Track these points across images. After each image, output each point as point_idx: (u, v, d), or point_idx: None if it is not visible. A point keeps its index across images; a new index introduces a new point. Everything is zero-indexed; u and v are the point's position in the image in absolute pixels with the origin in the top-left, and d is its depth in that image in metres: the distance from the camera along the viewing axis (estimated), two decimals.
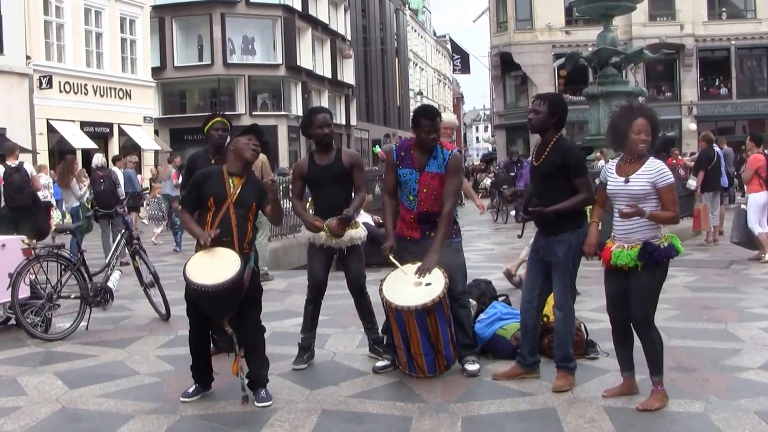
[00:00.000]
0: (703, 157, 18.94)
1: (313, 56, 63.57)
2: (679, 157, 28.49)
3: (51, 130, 36.50)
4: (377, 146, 42.18)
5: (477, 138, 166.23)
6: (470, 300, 8.94)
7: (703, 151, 19.20)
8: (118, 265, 11.00)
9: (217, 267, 6.69)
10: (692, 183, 19.52)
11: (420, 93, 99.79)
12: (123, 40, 42.39)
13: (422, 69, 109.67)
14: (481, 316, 8.76)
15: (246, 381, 7.08)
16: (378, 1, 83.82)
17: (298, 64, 59.54)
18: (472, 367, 7.82)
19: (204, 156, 9.06)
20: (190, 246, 20.62)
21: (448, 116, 10.13)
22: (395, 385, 7.62)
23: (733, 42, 60.52)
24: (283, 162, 54.84)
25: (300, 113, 58.52)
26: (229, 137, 9.03)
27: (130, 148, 40.75)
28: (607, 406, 6.73)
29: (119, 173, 19.60)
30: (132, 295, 12.50)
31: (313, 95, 63.85)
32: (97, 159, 18.46)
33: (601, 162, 27.97)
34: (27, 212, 14.58)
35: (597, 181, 7.10)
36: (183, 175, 9.63)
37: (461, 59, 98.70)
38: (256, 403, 6.99)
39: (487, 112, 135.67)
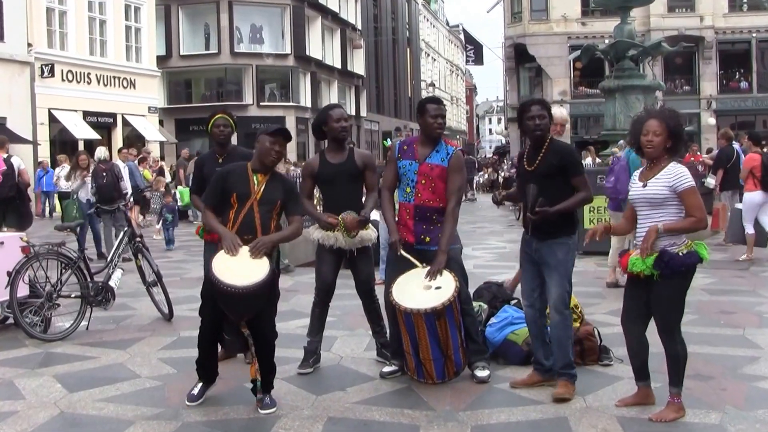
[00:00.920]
0: (722, 155, 18.93)
1: (322, 46, 63.52)
2: (698, 153, 28.38)
3: (53, 120, 36.60)
4: (388, 139, 42.19)
5: (490, 130, 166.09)
6: (481, 304, 8.92)
7: (722, 149, 19.16)
8: (120, 262, 10.98)
9: (246, 267, 6.67)
10: (711, 181, 19.51)
11: (432, 84, 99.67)
12: (127, 28, 42.46)
13: (434, 60, 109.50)
14: (492, 320, 8.73)
15: (259, 383, 7.10)
16: None
17: (308, 53, 59.49)
18: (482, 373, 7.79)
19: (211, 157, 9.02)
20: (184, 243, 20.60)
21: (560, 111, 10.04)
22: (403, 391, 7.60)
23: (754, 34, 60.34)
24: (291, 154, 54.82)
25: (309, 104, 58.61)
26: (234, 133, 9.02)
27: (134, 139, 40.83)
28: (620, 415, 6.70)
29: (122, 166, 19.61)
30: (134, 292, 12.50)
31: (322, 86, 63.84)
32: (100, 152, 18.46)
33: (588, 159, 28.02)
34: (11, 204, 15.25)
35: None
36: (192, 179, 9.61)
37: (474, 50, 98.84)
38: (260, 409, 6.98)
39: (501, 104, 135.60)
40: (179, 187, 28.12)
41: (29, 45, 35.10)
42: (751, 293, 12.33)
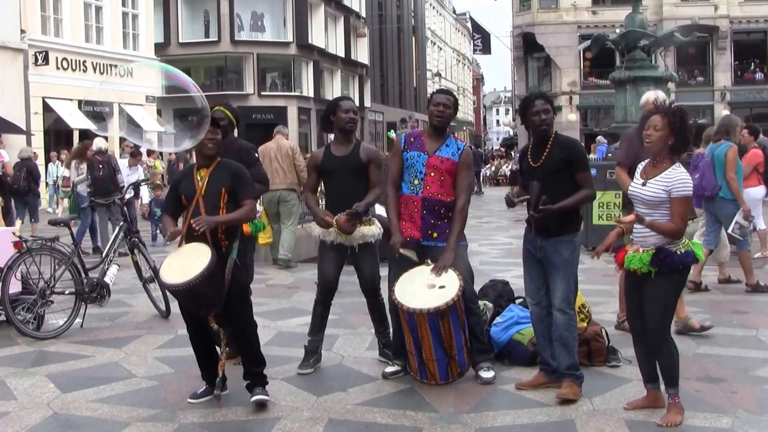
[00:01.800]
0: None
1: (325, 34, 63.45)
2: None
3: (47, 109, 36.56)
4: (392, 131, 42.14)
5: (497, 121, 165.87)
6: (486, 302, 8.92)
7: (759, 143, 19.07)
8: (116, 257, 10.99)
9: (187, 264, 6.79)
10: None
11: (438, 74, 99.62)
12: (124, 14, 42.45)
13: (440, 48, 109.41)
14: (498, 319, 8.73)
15: (221, 379, 7.21)
16: None
17: (310, 42, 59.48)
18: (486, 374, 7.79)
19: None
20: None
21: (655, 95, 9.85)
22: (406, 392, 7.60)
23: None
24: None
25: (311, 94, 58.57)
26: (235, 128, 8.97)
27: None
28: (628, 419, 6.70)
29: (123, 164, 19.66)
30: (130, 288, 12.54)
31: (325, 75, 63.80)
32: (98, 142, 18.46)
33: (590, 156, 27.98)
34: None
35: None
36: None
37: (482, 39, 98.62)
38: (252, 396, 7.07)
39: (508, 95, 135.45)
40: None
41: (22, 31, 35.04)
42: (766, 293, 12.28)
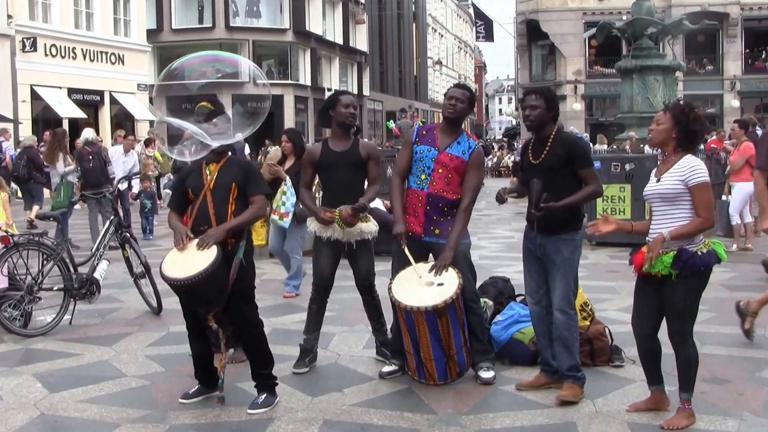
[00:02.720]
0: None
1: (323, 20, 63.38)
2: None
3: (35, 97, 36.50)
4: (391, 121, 42.13)
5: (500, 110, 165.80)
6: (486, 300, 8.93)
7: (750, 135, 19.11)
8: (106, 252, 10.98)
9: (191, 259, 6.79)
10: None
11: (439, 62, 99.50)
12: (115, 0, 42.30)
13: (442, 36, 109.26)
14: (498, 317, 8.74)
15: (223, 381, 7.19)
16: None
17: (307, 28, 59.41)
18: (486, 374, 7.82)
19: None
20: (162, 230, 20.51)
21: None
22: (403, 392, 7.62)
23: None
24: None
25: (308, 82, 58.50)
26: None
27: (123, 118, 40.75)
28: (631, 421, 6.72)
29: (117, 150, 19.56)
30: (121, 284, 12.55)
31: (322, 63, 63.72)
32: (87, 133, 18.45)
33: (603, 146, 28.04)
34: None
35: None
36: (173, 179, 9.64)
37: (484, 26, 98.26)
38: (247, 409, 7.05)
39: (511, 83, 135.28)
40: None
41: (9, 17, 34.99)
42: None
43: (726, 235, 16.47)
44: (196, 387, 7.40)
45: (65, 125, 33.77)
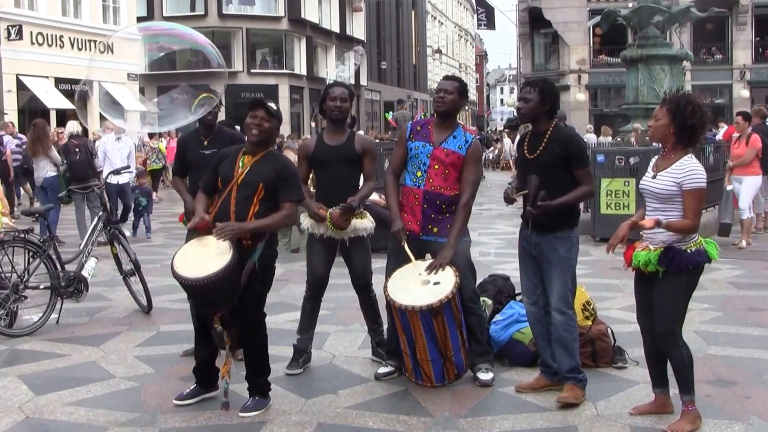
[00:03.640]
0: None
1: (319, 8, 63.37)
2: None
3: (21, 87, 36.46)
4: (390, 112, 42.06)
5: (501, 100, 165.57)
6: (486, 299, 8.94)
7: (755, 128, 19.10)
8: (95, 248, 10.97)
9: (204, 258, 6.75)
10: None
11: (439, 51, 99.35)
12: None
13: (442, 23, 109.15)
14: (497, 317, 8.75)
15: (229, 386, 7.14)
16: None
17: (303, 16, 59.35)
18: (485, 376, 7.83)
19: (194, 138, 9.01)
20: (166, 226, 20.50)
21: None
22: (399, 395, 7.64)
23: None
24: (284, 127, 54.69)
25: (304, 72, 58.47)
26: (218, 112, 8.99)
27: None
28: (634, 425, 6.74)
29: (109, 139, 19.44)
30: (110, 281, 12.55)
31: (318, 52, 63.67)
32: (72, 126, 18.41)
33: (608, 138, 28.00)
34: None
35: None
36: (174, 159, 9.61)
37: (486, 13, 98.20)
38: (239, 412, 7.06)
39: (513, 72, 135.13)
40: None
41: None
42: None
43: (720, 234, 16.49)
44: (192, 387, 7.39)
45: (52, 116, 33.77)
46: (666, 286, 6.50)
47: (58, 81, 38.51)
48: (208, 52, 8.31)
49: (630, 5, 31.00)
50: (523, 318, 8.45)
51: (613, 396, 7.42)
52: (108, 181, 16.23)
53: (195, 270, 6.68)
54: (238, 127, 11.14)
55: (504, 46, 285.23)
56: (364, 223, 8.21)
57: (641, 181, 6.81)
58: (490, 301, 9.02)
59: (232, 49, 56.70)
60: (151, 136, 26.54)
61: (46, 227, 10.55)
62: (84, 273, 10.52)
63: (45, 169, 17.82)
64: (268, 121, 7.14)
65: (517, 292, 9.34)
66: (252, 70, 56.58)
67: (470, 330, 7.85)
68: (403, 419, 6.98)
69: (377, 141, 23.43)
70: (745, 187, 16.21)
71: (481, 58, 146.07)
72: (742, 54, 60.40)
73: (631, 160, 16.48)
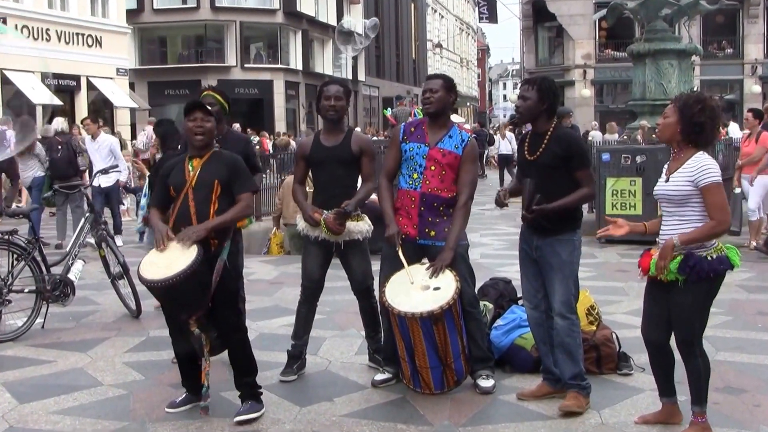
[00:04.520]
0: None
1: (315, 0, 63.29)
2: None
3: (6, 82, 36.45)
4: (388, 108, 42.04)
5: (504, 96, 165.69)
6: (486, 303, 8.93)
7: (766, 125, 19.09)
8: (81, 251, 10.97)
9: (170, 260, 6.80)
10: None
11: (439, 45, 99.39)
12: None
13: (442, 17, 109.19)
14: (499, 321, 8.74)
15: (207, 389, 7.14)
16: None
17: (298, 9, 59.42)
18: (485, 383, 7.81)
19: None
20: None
21: None
22: (397, 402, 7.62)
23: None
24: (279, 123, 54.79)
25: (300, 66, 58.49)
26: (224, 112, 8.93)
27: (101, 104, 40.66)
28: None
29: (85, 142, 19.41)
30: (98, 284, 12.54)
31: (314, 45, 63.65)
32: (57, 123, 18.43)
33: (614, 135, 27.96)
34: None
35: None
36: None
37: (488, 6, 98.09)
38: (234, 417, 7.04)
39: (516, 67, 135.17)
40: None
41: None
42: None
43: (730, 233, 16.47)
44: (183, 395, 7.41)
45: (38, 112, 33.74)
46: (685, 294, 6.42)
47: (45, 76, 38.42)
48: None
49: None
50: (525, 323, 8.42)
51: (618, 404, 7.41)
52: (92, 183, 16.19)
53: (162, 271, 6.72)
54: (237, 126, 11.15)
55: (507, 40, 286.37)
56: (359, 226, 8.16)
57: (655, 188, 6.73)
58: (491, 306, 9.00)
59: (225, 42, 56.86)
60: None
61: (31, 228, 10.50)
62: (71, 276, 10.52)
63: (34, 168, 17.77)
64: (208, 120, 7.22)
65: (519, 295, 9.36)
66: (246, 65, 56.60)
67: (470, 335, 7.83)
68: (400, 428, 6.98)
69: (374, 138, 23.39)
70: (757, 187, 16.16)
71: (483, 52, 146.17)
72: (754, 48, 60.28)
73: (638, 159, 16.48)
